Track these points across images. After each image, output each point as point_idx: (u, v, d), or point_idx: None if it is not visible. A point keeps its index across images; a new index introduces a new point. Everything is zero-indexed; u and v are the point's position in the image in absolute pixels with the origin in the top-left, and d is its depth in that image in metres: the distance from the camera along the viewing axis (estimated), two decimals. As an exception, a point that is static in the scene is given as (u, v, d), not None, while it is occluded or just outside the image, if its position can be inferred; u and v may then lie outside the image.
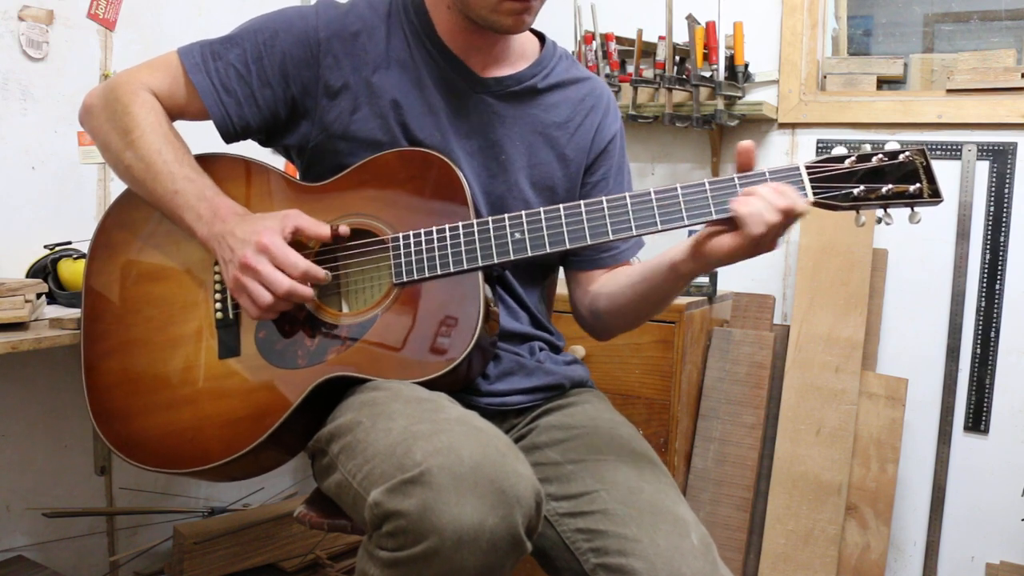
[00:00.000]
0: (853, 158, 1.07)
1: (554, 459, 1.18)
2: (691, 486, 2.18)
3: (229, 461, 1.15)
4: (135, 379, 1.22)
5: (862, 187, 1.06)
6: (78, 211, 1.84)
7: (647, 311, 1.30)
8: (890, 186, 1.06)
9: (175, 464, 1.17)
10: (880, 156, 1.06)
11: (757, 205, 1.03)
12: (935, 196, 1.06)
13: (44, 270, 1.59)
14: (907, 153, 1.06)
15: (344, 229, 1.19)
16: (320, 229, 1.16)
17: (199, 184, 1.19)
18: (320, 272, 1.14)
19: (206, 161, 1.27)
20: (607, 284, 1.32)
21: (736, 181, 1.07)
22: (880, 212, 1.09)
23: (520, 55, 1.31)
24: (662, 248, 1.23)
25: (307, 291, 1.13)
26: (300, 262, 1.12)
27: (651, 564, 1.01)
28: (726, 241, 1.07)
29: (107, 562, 1.93)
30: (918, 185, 1.06)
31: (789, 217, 1.03)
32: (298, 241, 1.15)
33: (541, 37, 1.36)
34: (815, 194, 1.06)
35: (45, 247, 1.66)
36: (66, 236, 1.71)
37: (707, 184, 1.08)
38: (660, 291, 1.23)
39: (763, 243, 1.05)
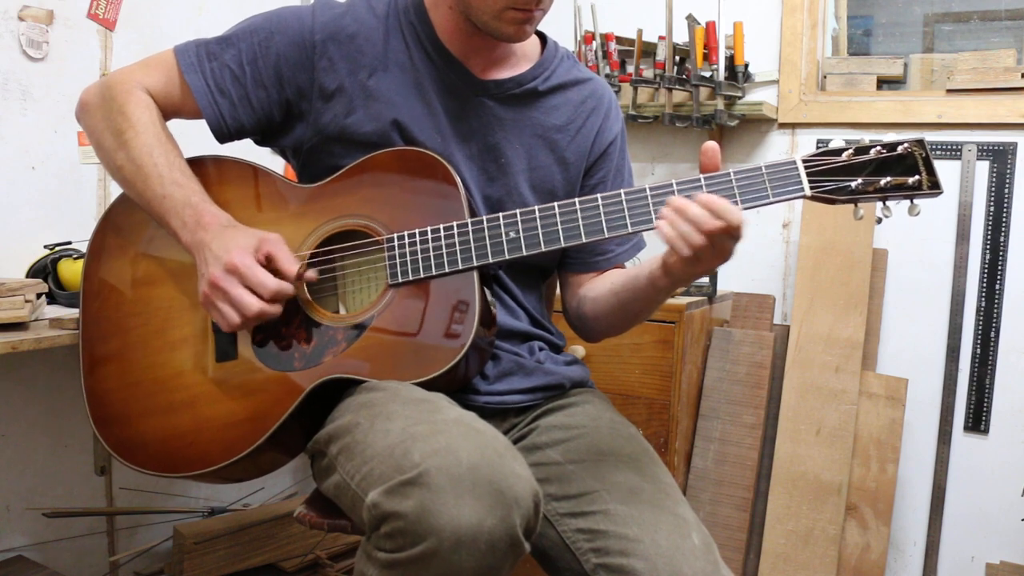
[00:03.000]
0: (851, 151, 1.06)
1: (555, 459, 1.18)
2: (691, 486, 2.18)
3: (228, 464, 1.15)
4: (134, 383, 1.22)
5: (860, 180, 1.05)
6: (78, 211, 1.84)
7: (629, 319, 1.29)
8: (889, 178, 1.04)
9: (174, 468, 1.18)
10: (878, 148, 1.05)
11: (682, 228, 1.01)
12: (935, 188, 1.05)
13: (44, 270, 1.59)
14: (906, 144, 1.05)
15: (311, 275, 1.17)
16: (289, 266, 1.13)
17: (187, 189, 1.19)
18: (289, 289, 1.13)
19: (203, 164, 1.27)
20: (593, 288, 1.32)
21: (733, 177, 1.06)
22: (879, 205, 1.08)
23: (521, 56, 1.31)
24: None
25: (276, 310, 1.13)
26: (270, 283, 1.11)
27: (652, 564, 1.01)
28: (674, 261, 1.06)
29: (107, 562, 1.94)
30: (917, 177, 1.04)
31: (720, 235, 1.01)
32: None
33: (543, 37, 1.35)
34: (812, 188, 1.05)
35: (45, 247, 1.67)
36: (66, 236, 1.71)
37: (703, 180, 1.07)
38: (641, 301, 1.23)
39: (704, 261, 1.03)
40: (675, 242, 1.02)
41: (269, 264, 1.13)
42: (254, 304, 1.10)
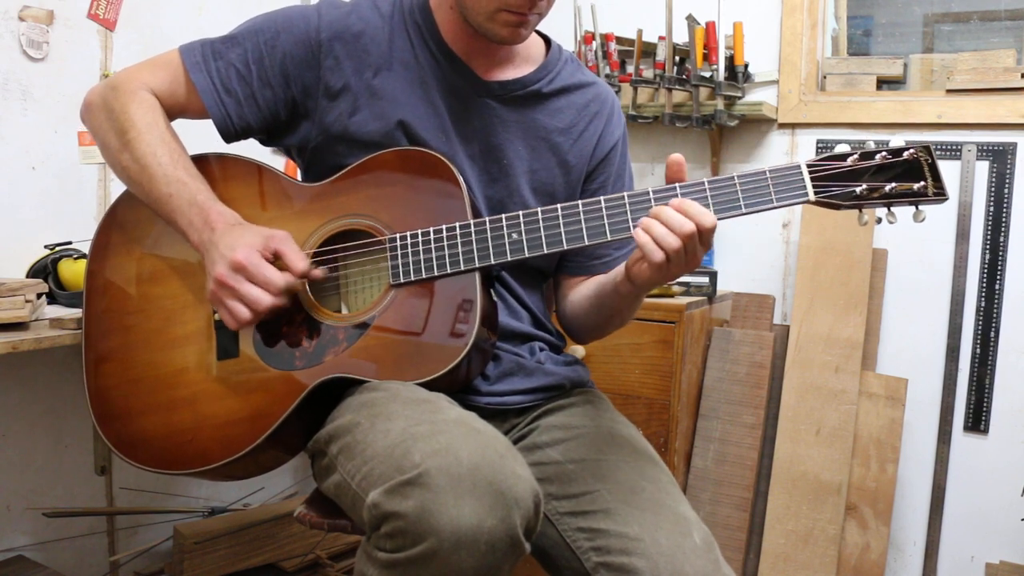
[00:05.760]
0: (856, 156, 1.05)
1: (555, 459, 1.18)
2: (691, 486, 2.18)
3: (228, 462, 1.15)
4: (135, 380, 1.22)
5: (865, 186, 1.04)
6: (78, 211, 1.85)
7: (603, 323, 1.31)
8: (894, 184, 1.04)
9: (175, 465, 1.18)
10: (884, 154, 1.04)
11: (657, 231, 1.02)
12: (940, 194, 1.04)
13: (44, 270, 1.59)
14: (911, 150, 1.04)
15: (318, 273, 1.17)
16: (297, 263, 1.13)
17: (192, 188, 1.19)
18: (298, 284, 1.13)
19: (206, 161, 1.27)
20: (577, 292, 1.34)
21: (736, 181, 1.06)
22: (883, 211, 1.07)
23: (525, 58, 1.31)
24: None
25: (286, 303, 1.13)
26: (278, 280, 1.11)
27: (653, 563, 1.01)
28: (642, 267, 1.08)
29: (107, 562, 1.94)
30: (923, 183, 1.04)
31: (694, 239, 1.02)
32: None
33: (547, 40, 1.36)
34: (816, 193, 1.05)
35: (45, 247, 1.66)
36: (66, 236, 1.71)
37: (706, 183, 1.07)
38: (610, 308, 1.25)
39: (675, 265, 1.04)
40: (648, 246, 1.03)
41: (277, 261, 1.13)
42: (263, 299, 1.10)
